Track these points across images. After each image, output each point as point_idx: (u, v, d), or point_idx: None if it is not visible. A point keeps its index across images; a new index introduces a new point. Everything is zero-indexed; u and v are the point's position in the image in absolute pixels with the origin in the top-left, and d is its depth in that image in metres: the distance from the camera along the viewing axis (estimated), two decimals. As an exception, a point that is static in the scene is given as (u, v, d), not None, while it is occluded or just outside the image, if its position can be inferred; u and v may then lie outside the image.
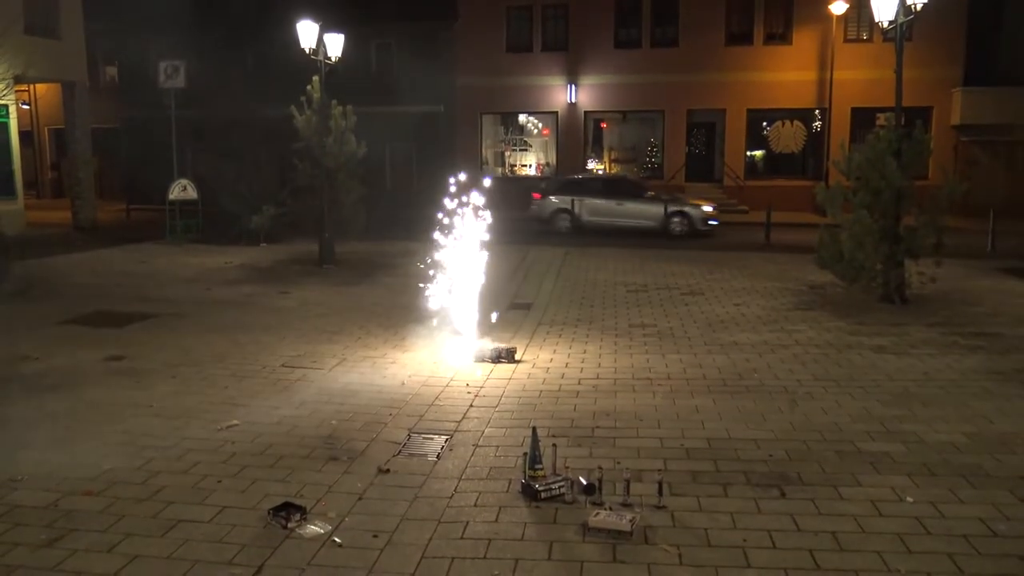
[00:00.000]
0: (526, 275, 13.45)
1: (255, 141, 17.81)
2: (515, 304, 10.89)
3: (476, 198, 8.05)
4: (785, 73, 25.54)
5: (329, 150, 14.58)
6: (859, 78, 24.23)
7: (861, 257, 10.68)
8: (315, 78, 14.39)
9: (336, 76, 15.13)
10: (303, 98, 14.52)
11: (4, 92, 17.24)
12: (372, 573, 3.86)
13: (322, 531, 4.28)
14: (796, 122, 26.30)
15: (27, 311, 10.04)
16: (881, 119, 11.36)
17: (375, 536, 4.23)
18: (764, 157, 27.01)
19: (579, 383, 7.17)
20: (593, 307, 10.81)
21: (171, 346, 8.32)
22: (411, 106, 25.83)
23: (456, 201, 8.08)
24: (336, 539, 4.18)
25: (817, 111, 25.87)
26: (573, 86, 26.71)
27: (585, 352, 8.32)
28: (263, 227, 16.71)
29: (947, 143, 23.95)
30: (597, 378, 7.34)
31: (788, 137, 26.48)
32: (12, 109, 19.65)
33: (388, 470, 5.14)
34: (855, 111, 24.71)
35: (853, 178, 10.96)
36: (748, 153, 26.81)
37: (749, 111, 26.19)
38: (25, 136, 23.41)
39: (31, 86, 26.89)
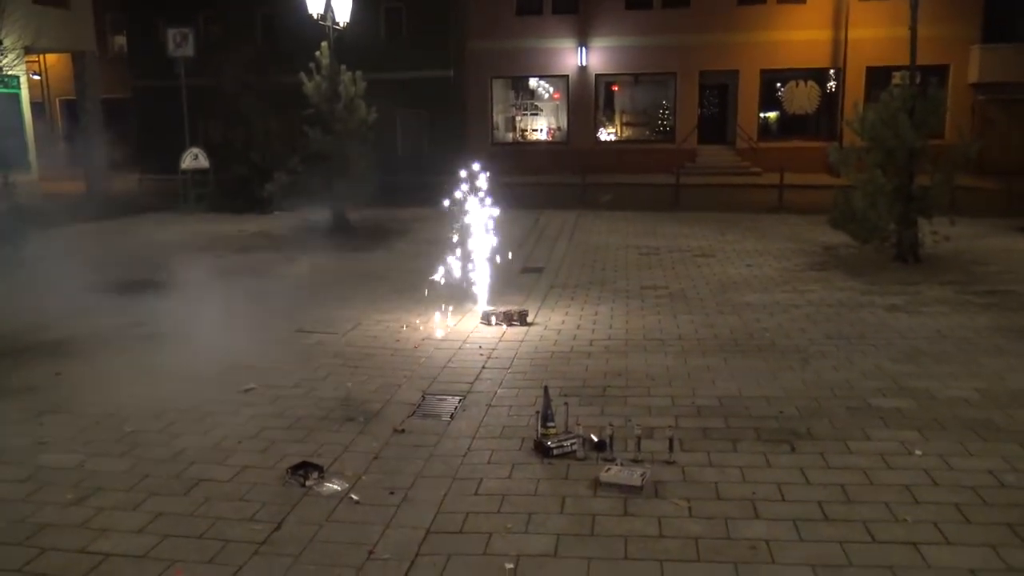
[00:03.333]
0: (538, 239, 13.47)
1: (265, 108, 17.78)
2: (527, 268, 10.93)
3: (486, 163, 8.06)
4: (799, 32, 25.18)
5: (339, 116, 14.55)
6: (874, 36, 23.86)
7: (874, 217, 10.63)
8: (324, 44, 14.32)
9: (345, 42, 15.06)
10: (312, 64, 14.46)
11: (15, 62, 17.26)
12: (389, 528, 3.96)
13: (339, 489, 4.37)
14: (810, 82, 25.99)
15: (42, 280, 10.16)
16: (896, 78, 11.25)
17: (391, 493, 4.32)
18: (778, 118, 26.74)
19: (591, 344, 7.23)
20: (605, 270, 10.84)
21: (187, 312, 8.42)
22: (421, 71, 25.68)
23: (467, 167, 8.09)
24: (353, 496, 4.28)
25: (832, 71, 25.54)
26: (584, 49, 26.45)
27: (597, 314, 8.37)
28: (275, 194, 16.75)
29: (964, 102, 23.64)
30: (609, 339, 7.39)
31: (802, 98, 26.19)
32: (23, 80, 19.68)
33: (403, 430, 5.23)
34: (870, 70, 24.36)
35: (866, 138, 10.87)
36: (761, 115, 26.55)
37: (762, 72, 25.89)
38: (36, 107, 23.46)
39: (41, 57, 26.91)
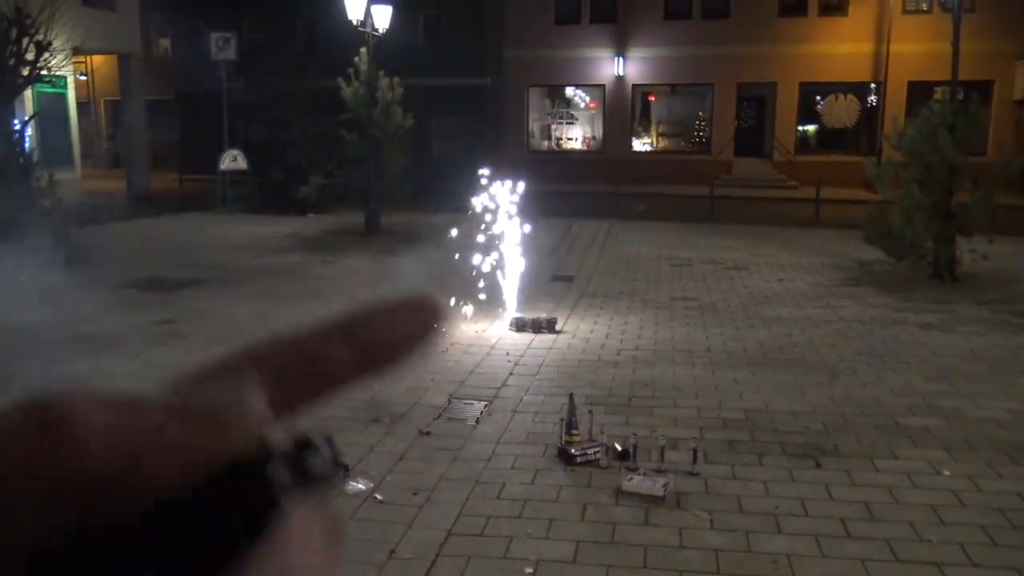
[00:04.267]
0: (570, 248, 13.49)
1: (304, 112, 18.03)
2: (557, 276, 10.95)
3: (520, 171, 8.11)
4: (840, 45, 24.92)
5: (376, 121, 14.71)
6: (917, 51, 23.53)
7: (911, 233, 10.49)
8: (363, 50, 14.50)
9: (384, 48, 15.23)
10: (351, 69, 14.65)
11: (63, 63, 17.68)
12: (412, 528, 4.00)
13: (364, 488, 4.43)
14: (850, 96, 25.70)
15: (85, 276, 10.40)
16: (937, 93, 11.11)
17: (415, 494, 4.37)
18: (816, 132, 26.48)
19: (618, 354, 7.23)
20: (636, 280, 10.82)
21: (220, 311, 8.57)
22: (458, 79, 25.84)
23: (500, 175, 8.16)
24: (377, 496, 4.33)
25: (872, 85, 25.24)
26: (621, 58, 26.43)
27: (626, 324, 8.36)
28: (310, 197, 16.96)
29: (1009, 118, 23.20)
30: (636, 349, 7.39)
31: (841, 111, 25.91)
32: (70, 80, 20.15)
33: (428, 432, 5.28)
34: (912, 85, 24.02)
35: (905, 153, 10.74)
36: (799, 128, 26.31)
37: (801, 84, 25.65)
38: (82, 107, 24.01)
39: (88, 58, 27.52)
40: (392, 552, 3.76)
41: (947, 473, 4.65)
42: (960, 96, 10.68)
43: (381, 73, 14.85)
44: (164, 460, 0.22)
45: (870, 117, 25.42)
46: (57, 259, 11.05)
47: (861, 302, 9.40)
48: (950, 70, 10.72)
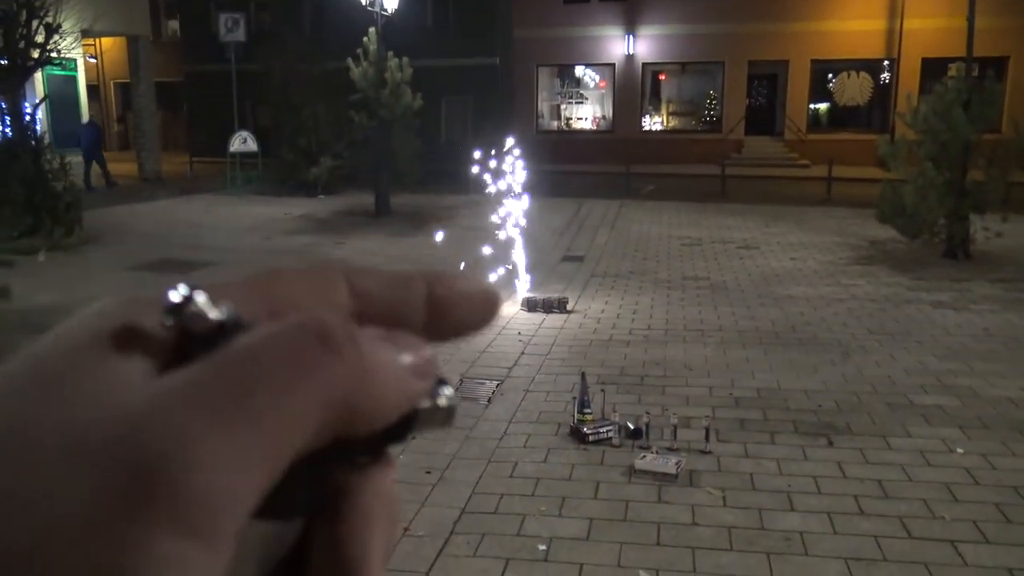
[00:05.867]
0: (580, 228, 13.46)
1: (313, 93, 18.00)
2: (568, 256, 10.94)
3: (530, 152, 8.09)
4: (852, 22, 24.63)
5: (385, 102, 14.68)
6: (931, 27, 23.25)
7: (924, 211, 10.42)
8: (371, 30, 14.44)
9: (392, 28, 15.16)
10: (359, 50, 14.60)
11: (72, 45, 17.69)
12: (425, 506, 4.03)
13: (377, 467, 4.45)
14: (863, 73, 25.44)
15: (97, 258, 10.46)
16: (952, 69, 10.99)
17: (428, 473, 4.39)
18: (828, 110, 26.25)
19: (630, 333, 7.23)
20: (646, 260, 10.80)
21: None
22: (467, 59, 25.71)
23: (509, 155, 8.13)
24: (391, 474, 4.36)
25: (885, 62, 24.98)
26: (631, 37, 26.23)
27: (637, 303, 8.36)
28: (320, 179, 16.98)
29: (1024, 95, 22.93)
30: (648, 329, 7.38)
31: (854, 89, 25.67)
32: (80, 63, 20.17)
33: (441, 412, 5.30)
34: (926, 62, 23.75)
35: (919, 130, 10.64)
36: (811, 106, 26.08)
37: (813, 62, 25.40)
38: (92, 90, 24.04)
39: (97, 40, 27.51)
40: (406, 530, 3.79)
41: (960, 451, 4.64)
42: (975, 73, 10.56)
43: (390, 54, 14.79)
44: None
45: (883, 95, 25.18)
46: (69, 241, 11.12)
47: (873, 280, 9.36)
48: (965, 46, 10.59)
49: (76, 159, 18.70)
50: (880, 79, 25.36)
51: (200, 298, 0.23)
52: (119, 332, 0.23)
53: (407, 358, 0.25)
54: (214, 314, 0.23)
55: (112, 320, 0.23)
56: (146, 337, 0.23)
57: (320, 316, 0.23)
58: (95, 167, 18.56)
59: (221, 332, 0.23)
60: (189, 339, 0.23)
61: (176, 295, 0.23)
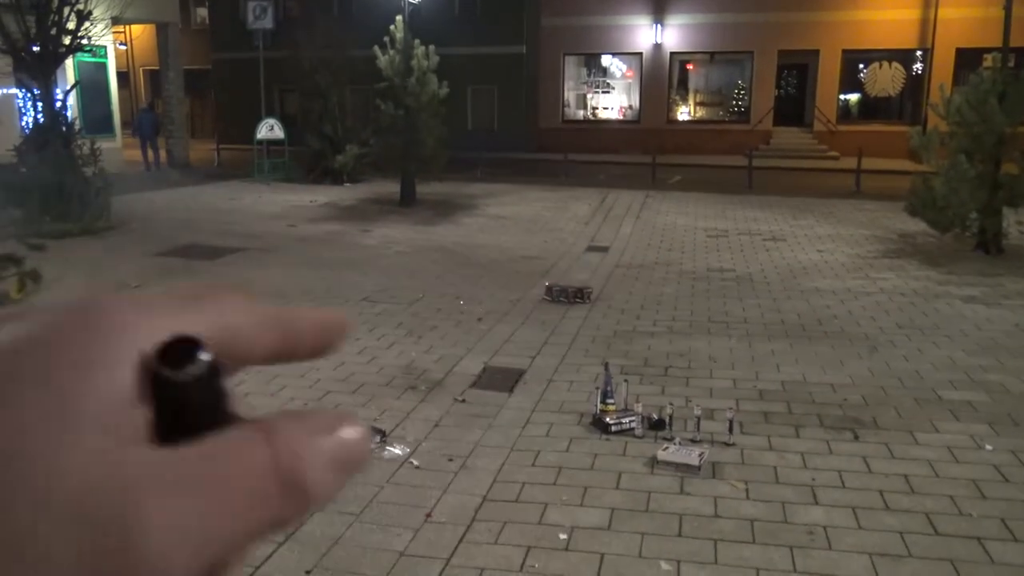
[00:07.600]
0: (605, 218, 13.40)
1: (340, 81, 18.05)
2: (593, 246, 10.90)
3: (556, 141, 8.05)
4: (884, 12, 24.23)
5: (411, 90, 14.67)
6: (966, 16, 22.81)
7: (956, 204, 10.25)
8: (398, 18, 14.44)
9: (419, 16, 15.14)
10: (386, 38, 14.60)
11: (103, 32, 17.85)
12: (447, 493, 4.05)
13: (400, 453, 4.48)
14: (895, 64, 25.04)
15: (126, 244, 10.58)
16: (987, 60, 10.79)
17: (450, 460, 4.41)
18: (859, 101, 25.88)
19: (654, 324, 7.19)
20: (671, 251, 10.73)
21: (259, 279, 8.67)
22: (493, 47, 25.63)
23: (535, 144, 8.09)
24: (413, 461, 4.38)
25: (918, 52, 24.55)
26: (659, 26, 26.00)
27: (661, 294, 8.31)
28: (346, 166, 17.04)
29: (1060, 87, 22.44)
30: (672, 320, 7.34)
31: (885, 80, 25.27)
32: (110, 50, 20.34)
33: (464, 400, 5.32)
34: (960, 52, 23.32)
35: (952, 122, 10.46)
36: (841, 96, 25.72)
37: (844, 52, 25.03)
38: (122, 77, 24.25)
39: (127, 27, 27.74)
40: (428, 516, 3.81)
41: (989, 447, 4.57)
42: (1011, 63, 10.35)
43: (416, 41, 14.77)
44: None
45: (915, 85, 24.76)
46: (98, 225, 11.26)
47: (902, 274, 9.24)
48: (1001, 36, 10.39)
49: (107, 145, 18.92)
50: (912, 70, 24.95)
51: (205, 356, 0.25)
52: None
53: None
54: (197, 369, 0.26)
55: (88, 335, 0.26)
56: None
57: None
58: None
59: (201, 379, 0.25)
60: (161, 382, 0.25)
61: (204, 359, 0.26)
